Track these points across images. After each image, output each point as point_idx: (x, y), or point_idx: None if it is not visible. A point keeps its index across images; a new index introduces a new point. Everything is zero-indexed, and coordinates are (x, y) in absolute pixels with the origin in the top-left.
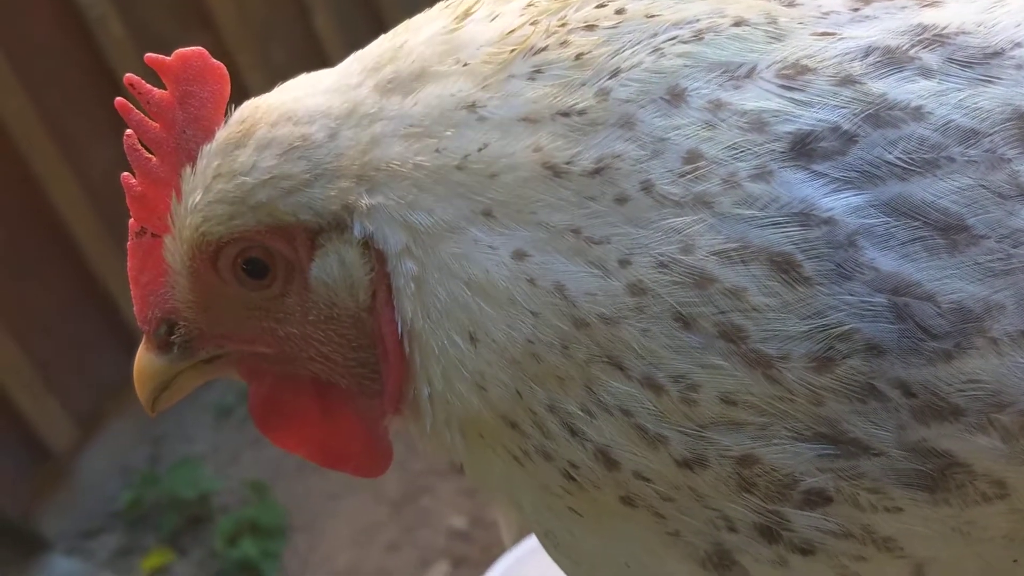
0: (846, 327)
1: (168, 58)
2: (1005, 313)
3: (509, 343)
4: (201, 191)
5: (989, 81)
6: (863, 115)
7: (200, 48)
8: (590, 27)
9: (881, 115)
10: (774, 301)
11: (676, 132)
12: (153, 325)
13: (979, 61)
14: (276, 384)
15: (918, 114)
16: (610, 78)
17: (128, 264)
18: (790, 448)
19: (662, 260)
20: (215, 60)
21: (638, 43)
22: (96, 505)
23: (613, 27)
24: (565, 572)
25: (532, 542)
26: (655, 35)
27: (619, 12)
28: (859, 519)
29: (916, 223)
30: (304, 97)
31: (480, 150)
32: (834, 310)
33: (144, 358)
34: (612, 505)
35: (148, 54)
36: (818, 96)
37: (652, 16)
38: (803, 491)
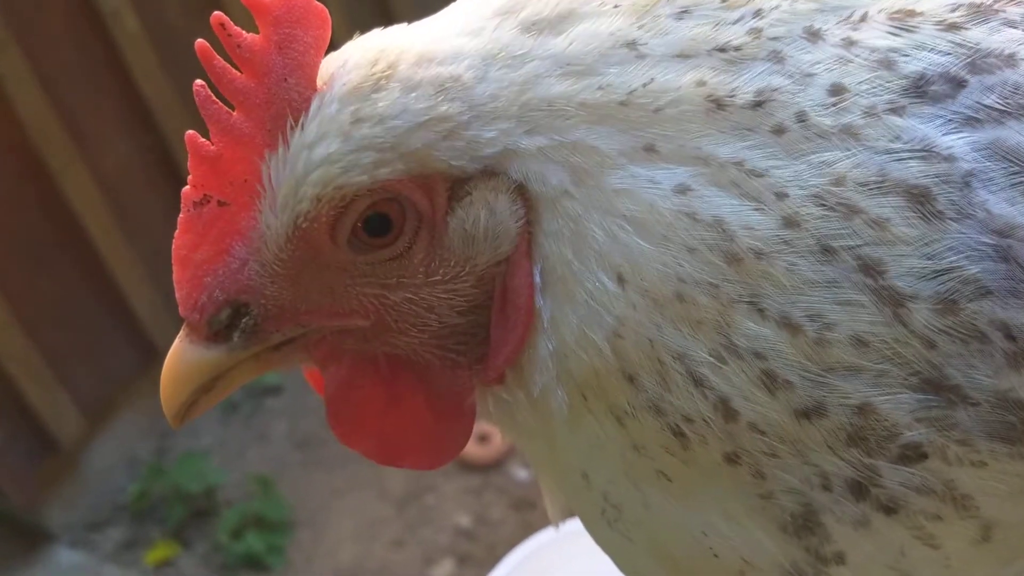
0: (966, 269)
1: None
2: None
3: (659, 282)
4: (338, 139)
5: None
6: (966, 60)
7: None
8: None
9: (978, 62)
10: (914, 233)
11: (819, 66)
12: (212, 310)
13: None
14: (353, 368)
15: (1012, 61)
16: (755, 18)
17: (178, 241)
18: (900, 397)
19: (816, 192)
20: (318, 1)
21: None
22: (102, 497)
23: None
24: (611, 554)
25: (533, 544)
26: None
27: None
28: (944, 474)
29: (1014, 167)
30: (439, 39)
31: (645, 85)
32: (954, 251)
33: (187, 352)
34: (713, 464)
35: None
36: (930, 39)
37: None
38: (901, 444)
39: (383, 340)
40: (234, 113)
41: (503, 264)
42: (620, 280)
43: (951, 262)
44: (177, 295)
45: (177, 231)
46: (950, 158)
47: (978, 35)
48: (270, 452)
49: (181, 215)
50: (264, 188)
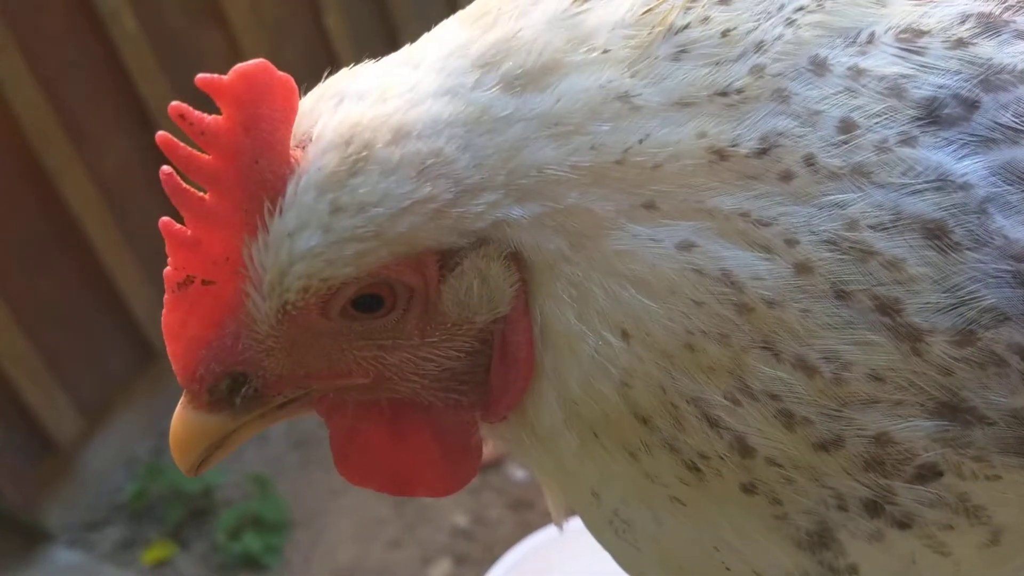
0: (983, 297)
1: (225, 78)
2: None
3: (666, 336)
4: (319, 231)
5: None
6: (977, 79)
7: (262, 61)
8: (725, 1)
9: (991, 79)
10: (931, 271)
11: (827, 102)
12: (210, 381)
13: None
14: (355, 417)
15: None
16: (758, 53)
17: (167, 319)
18: (917, 423)
19: (828, 237)
20: (281, 72)
21: (771, 15)
22: (100, 497)
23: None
24: (617, 558)
25: (530, 543)
26: (782, 6)
27: None
28: (959, 488)
29: None
30: (413, 106)
31: (642, 141)
32: (972, 280)
33: (191, 419)
34: (728, 492)
35: (200, 76)
36: (940, 60)
37: None
38: (917, 465)
39: (384, 389)
40: (206, 196)
41: (501, 320)
42: (625, 336)
43: (968, 292)
44: (174, 368)
45: (164, 309)
46: (965, 186)
47: (989, 50)
48: (268, 452)
49: (166, 295)
50: (247, 267)
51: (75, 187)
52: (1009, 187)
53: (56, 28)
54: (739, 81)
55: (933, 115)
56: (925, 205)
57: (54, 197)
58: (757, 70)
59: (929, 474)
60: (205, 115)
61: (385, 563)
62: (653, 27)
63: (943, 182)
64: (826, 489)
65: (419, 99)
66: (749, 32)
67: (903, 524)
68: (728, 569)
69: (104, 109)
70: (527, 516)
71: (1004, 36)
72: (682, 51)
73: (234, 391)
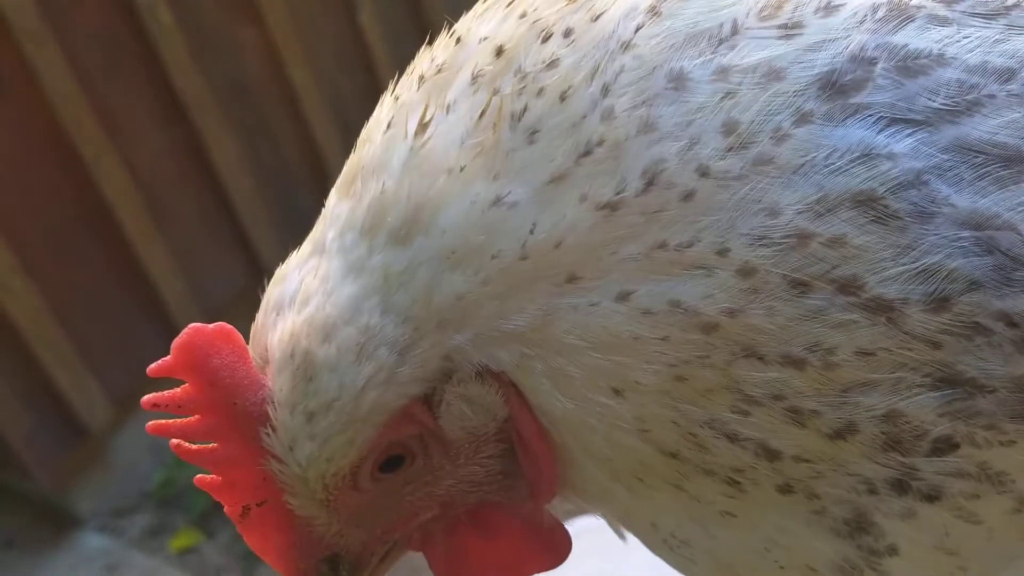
0: (947, 266)
1: (170, 357)
2: None
3: (653, 377)
4: (307, 440)
5: (1017, 29)
6: (875, 39)
7: (191, 326)
8: (551, 64)
9: (910, 65)
10: (875, 239)
11: (699, 112)
12: (313, 573)
13: (1001, 12)
14: (445, 537)
15: (942, 60)
16: (604, 96)
17: (250, 542)
18: (921, 398)
19: (756, 234)
20: (210, 326)
21: (605, 50)
22: (129, 484)
23: (572, 51)
24: (673, 566)
25: None
26: (613, 33)
27: (567, 34)
28: (977, 457)
29: (978, 159)
30: (329, 297)
31: (532, 231)
32: (928, 251)
33: None
34: (769, 497)
35: (150, 368)
36: (817, 30)
37: (598, 17)
38: (932, 439)
39: (454, 508)
40: (216, 446)
41: (508, 420)
42: (617, 393)
43: (929, 262)
44: (280, 572)
45: (245, 538)
46: (891, 156)
47: (903, 37)
48: None
49: (239, 528)
50: (279, 482)
51: (109, 178)
52: (953, 158)
53: (94, 23)
54: (596, 134)
55: (835, 86)
56: (848, 179)
57: (89, 187)
58: (607, 114)
59: (946, 446)
60: (175, 391)
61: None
62: (495, 125)
63: (866, 155)
64: (853, 476)
65: (332, 288)
66: (588, 80)
67: (931, 497)
68: (782, 568)
69: (139, 102)
70: None
71: (919, 23)
72: (533, 132)
73: (336, 569)
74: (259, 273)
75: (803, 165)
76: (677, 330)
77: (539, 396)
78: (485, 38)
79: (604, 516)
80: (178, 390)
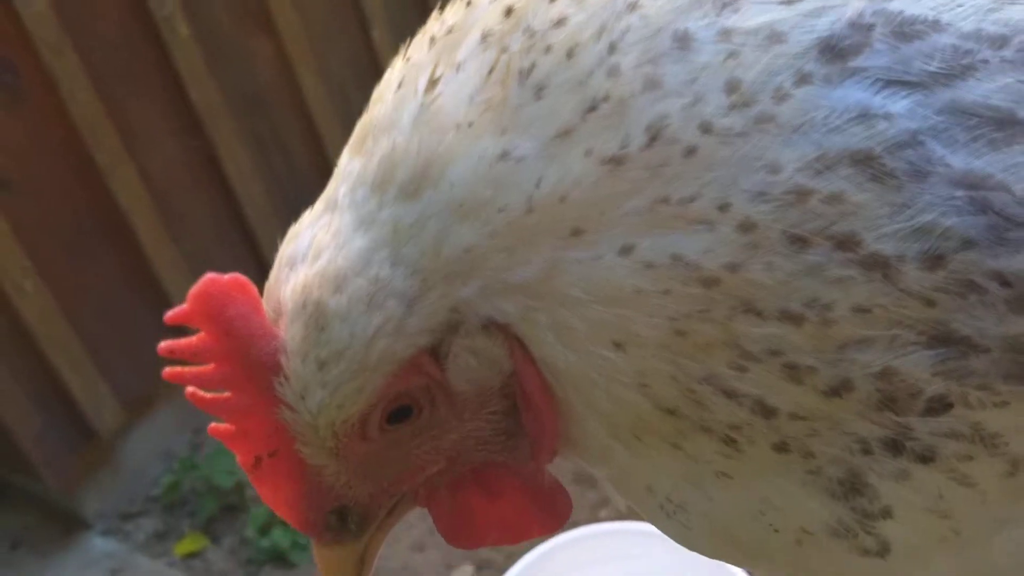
0: (941, 224)
1: (185, 306)
2: None
3: (653, 330)
4: (318, 388)
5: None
6: (873, 8)
7: (207, 276)
8: (559, 23)
9: (906, 31)
10: (873, 196)
11: (704, 71)
12: (321, 522)
13: None
14: (449, 495)
15: (937, 26)
16: (611, 54)
17: (261, 494)
18: (915, 356)
19: (756, 190)
20: (225, 276)
21: (612, 10)
22: (136, 488)
23: (579, 9)
24: (670, 536)
25: (547, 547)
26: None
27: None
28: (971, 418)
29: (972, 122)
30: (340, 249)
31: (538, 185)
32: (924, 209)
33: (327, 555)
34: (766, 456)
35: (167, 314)
36: None
37: None
38: (927, 399)
39: (460, 465)
40: (229, 395)
41: (514, 375)
42: (618, 346)
43: (925, 220)
44: (289, 522)
45: (256, 487)
46: (888, 116)
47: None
48: None
49: (250, 478)
50: (290, 431)
51: (124, 184)
52: (949, 120)
53: (112, 33)
54: (602, 90)
55: (834, 49)
56: (846, 138)
57: (104, 193)
58: (614, 71)
59: (939, 406)
60: (191, 338)
61: (408, 564)
62: (503, 82)
63: (863, 116)
64: (849, 435)
65: (344, 241)
66: (596, 38)
67: (925, 458)
68: (776, 531)
69: (154, 111)
70: None
71: None
72: (541, 88)
73: (344, 520)
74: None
75: (803, 124)
76: (678, 284)
77: (543, 348)
78: (495, 0)
79: (604, 478)
80: (193, 338)
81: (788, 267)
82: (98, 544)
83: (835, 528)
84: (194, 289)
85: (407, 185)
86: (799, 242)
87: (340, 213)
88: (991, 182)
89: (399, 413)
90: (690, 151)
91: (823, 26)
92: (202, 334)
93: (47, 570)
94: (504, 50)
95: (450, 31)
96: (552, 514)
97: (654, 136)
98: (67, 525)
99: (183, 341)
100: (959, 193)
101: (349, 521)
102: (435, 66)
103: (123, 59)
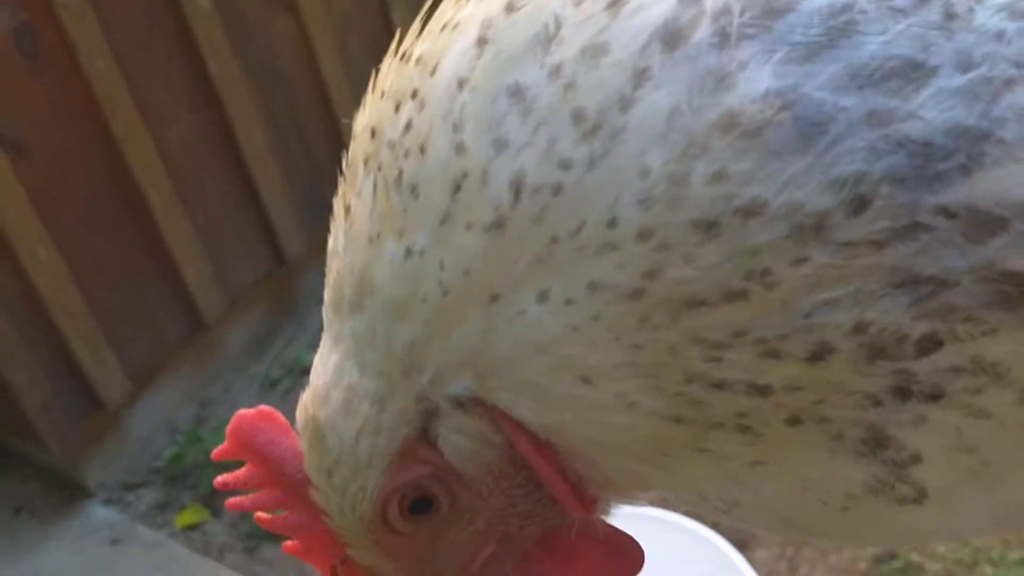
0: (856, 168)
1: (225, 444)
2: (1006, 127)
3: (608, 355)
4: (332, 493)
5: None
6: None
7: (237, 413)
8: (407, 127)
9: (773, 5)
10: (757, 160)
11: (549, 113)
12: None
13: None
14: (522, 572)
15: None
16: (456, 134)
17: None
18: (886, 302)
19: (638, 198)
20: (251, 411)
21: (447, 94)
22: (139, 459)
23: (419, 107)
24: (746, 527)
25: None
26: (452, 76)
27: (414, 95)
28: (966, 351)
29: (865, 72)
30: (323, 371)
31: (442, 269)
32: (837, 161)
33: None
34: (784, 433)
35: (213, 452)
36: None
37: (434, 70)
38: (915, 340)
39: (516, 541)
40: (286, 515)
41: (512, 447)
42: (586, 381)
43: (838, 171)
44: None
45: None
46: (749, 72)
47: None
48: None
49: None
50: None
51: (140, 156)
52: (849, 79)
53: (134, 3)
54: (459, 169)
55: (671, 33)
56: (708, 112)
57: (120, 164)
58: (461, 149)
59: (931, 344)
60: (240, 471)
61: None
62: (387, 194)
63: (720, 81)
64: (854, 394)
65: (324, 360)
66: (440, 127)
67: (935, 397)
68: (824, 503)
69: (172, 83)
70: None
71: None
72: (413, 187)
73: None
74: (280, 259)
75: (661, 118)
76: (605, 306)
77: (519, 410)
78: (364, 126)
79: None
80: (240, 470)
81: (708, 253)
82: (99, 513)
83: (872, 485)
84: (228, 427)
85: (353, 300)
86: (708, 226)
87: (327, 337)
88: (900, 114)
89: (421, 505)
90: (557, 190)
91: (655, 17)
92: (248, 467)
93: (48, 538)
94: (379, 168)
95: (350, 164)
96: (629, 559)
97: (517, 191)
98: (70, 493)
99: (234, 474)
100: (868, 134)
101: None
102: (346, 196)
103: (143, 29)
